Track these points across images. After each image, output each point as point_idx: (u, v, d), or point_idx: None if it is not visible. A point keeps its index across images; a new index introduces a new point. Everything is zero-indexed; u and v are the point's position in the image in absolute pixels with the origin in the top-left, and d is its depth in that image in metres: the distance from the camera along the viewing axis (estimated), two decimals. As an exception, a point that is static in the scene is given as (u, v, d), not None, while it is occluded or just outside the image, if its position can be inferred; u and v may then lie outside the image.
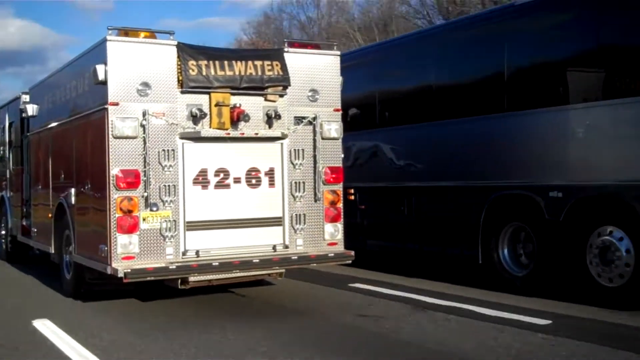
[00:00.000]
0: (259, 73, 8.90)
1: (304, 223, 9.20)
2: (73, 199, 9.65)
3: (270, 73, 8.98)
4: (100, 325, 8.37)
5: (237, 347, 7.19)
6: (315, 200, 9.30)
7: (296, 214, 9.16)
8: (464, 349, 6.94)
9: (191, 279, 8.50)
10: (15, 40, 71.33)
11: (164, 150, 8.43)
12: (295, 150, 9.18)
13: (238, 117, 8.69)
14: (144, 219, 8.32)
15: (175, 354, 6.99)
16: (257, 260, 8.70)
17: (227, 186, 8.83)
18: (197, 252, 8.55)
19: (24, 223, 13.11)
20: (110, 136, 8.21)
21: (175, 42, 8.60)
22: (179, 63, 8.55)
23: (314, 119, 9.27)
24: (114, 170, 8.20)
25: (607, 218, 8.75)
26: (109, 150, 8.22)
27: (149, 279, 8.24)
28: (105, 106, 8.25)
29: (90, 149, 8.98)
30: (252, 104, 8.90)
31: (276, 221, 9.10)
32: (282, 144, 9.12)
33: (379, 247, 12.47)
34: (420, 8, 36.43)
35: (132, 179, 8.24)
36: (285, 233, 9.12)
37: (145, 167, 8.29)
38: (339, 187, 9.51)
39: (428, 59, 11.52)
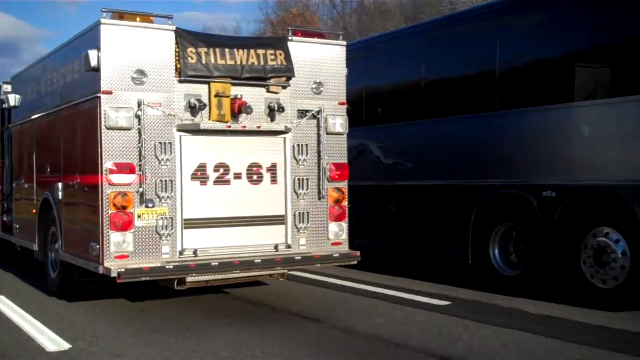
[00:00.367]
0: (262, 62, 8.38)
1: (308, 222, 8.70)
2: (60, 194, 9.07)
3: (274, 63, 8.46)
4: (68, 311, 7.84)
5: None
6: (319, 198, 8.80)
7: (299, 212, 8.65)
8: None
9: (188, 279, 7.97)
10: (-12, 32, 70.04)
11: (160, 143, 7.88)
12: (298, 145, 8.67)
13: (239, 109, 8.16)
14: (139, 216, 7.77)
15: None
16: (259, 261, 8.18)
17: (227, 182, 8.30)
18: (194, 252, 8.02)
19: (5, 219, 12.49)
20: (102, 127, 7.64)
21: (174, 28, 8.06)
22: (177, 50, 8.01)
23: (319, 112, 8.77)
24: (107, 164, 7.64)
25: (603, 219, 8.51)
26: (101, 142, 7.65)
27: (144, 279, 7.69)
28: (98, 95, 7.68)
29: (81, 141, 8.40)
30: (253, 96, 8.38)
31: (278, 219, 8.58)
32: (284, 138, 8.61)
33: (366, 246, 12.02)
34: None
35: (126, 173, 7.68)
36: (288, 232, 8.61)
37: (140, 160, 7.74)
38: (344, 185, 9.02)
39: (415, 55, 11.29)
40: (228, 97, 8.19)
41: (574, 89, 8.85)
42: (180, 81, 8.00)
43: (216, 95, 8.14)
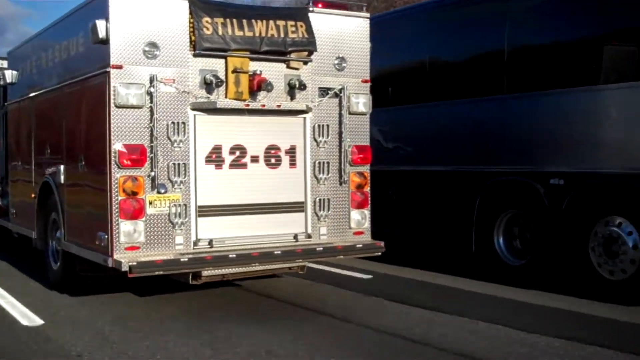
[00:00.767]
0: (282, 35, 7.72)
1: (328, 209, 8.08)
2: (62, 178, 8.41)
3: (294, 35, 7.80)
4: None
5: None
6: (341, 184, 8.18)
7: (320, 199, 8.03)
8: None
9: (205, 273, 7.34)
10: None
11: (173, 122, 7.23)
12: (319, 126, 8.04)
13: (259, 85, 7.51)
14: (150, 203, 7.13)
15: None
16: (279, 252, 7.56)
17: (244, 166, 7.66)
18: (210, 242, 7.39)
19: (1, 203, 11.79)
20: (112, 105, 6.97)
21: None
22: (192, 21, 7.34)
23: (341, 90, 8.12)
24: (117, 145, 6.98)
25: (614, 209, 8.20)
26: (110, 121, 6.99)
27: (157, 273, 7.04)
28: (107, 69, 7.01)
29: (86, 120, 7.74)
30: (272, 71, 7.73)
31: (298, 207, 7.96)
32: (304, 118, 7.97)
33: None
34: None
35: (137, 156, 7.04)
36: (308, 220, 8.00)
37: (152, 142, 7.09)
38: (366, 169, 8.40)
39: (417, 36, 10.93)
40: (246, 73, 7.53)
41: (586, 72, 8.46)
42: (195, 55, 7.34)
43: (234, 71, 7.48)
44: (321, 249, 7.84)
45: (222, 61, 7.47)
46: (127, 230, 7.00)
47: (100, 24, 6.98)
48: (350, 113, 8.18)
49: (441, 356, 6.16)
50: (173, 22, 7.26)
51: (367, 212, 8.37)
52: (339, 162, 8.15)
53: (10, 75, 10.60)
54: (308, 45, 7.86)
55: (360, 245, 8.14)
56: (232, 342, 6.54)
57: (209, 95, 7.40)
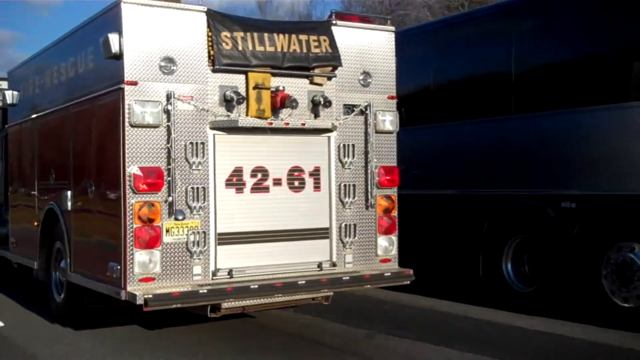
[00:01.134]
0: (305, 50, 7.24)
1: (354, 235, 7.55)
2: (69, 204, 7.86)
3: (318, 50, 7.32)
4: None
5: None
6: (367, 208, 7.66)
7: (345, 224, 7.50)
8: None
9: (224, 305, 6.77)
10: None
11: (191, 143, 6.71)
12: (344, 145, 7.54)
13: (282, 102, 7.01)
14: (167, 231, 6.58)
15: None
16: (304, 282, 7.01)
17: (266, 189, 7.13)
18: (229, 272, 6.85)
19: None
20: (126, 124, 6.44)
21: (205, 9, 6.90)
22: (210, 34, 6.85)
23: (367, 107, 7.62)
24: (132, 169, 6.44)
25: (628, 233, 7.90)
26: (124, 142, 6.45)
27: (174, 306, 6.48)
28: (121, 86, 6.49)
29: (97, 142, 7.20)
30: (295, 88, 7.25)
31: (322, 233, 7.43)
32: (329, 137, 7.46)
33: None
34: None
35: (153, 179, 6.49)
36: (333, 247, 7.47)
37: (169, 164, 6.55)
38: (394, 192, 7.89)
39: (423, 58, 10.68)
40: (268, 89, 7.03)
41: (600, 91, 8.19)
42: (213, 70, 6.84)
43: (255, 87, 6.98)
44: (348, 278, 7.30)
45: (242, 77, 6.99)
46: (142, 261, 6.45)
47: (113, 37, 6.47)
48: (376, 132, 7.69)
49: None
50: (190, 36, 6.77)
51: (394, 238, 7.85)
52: (365, 185, 7.64)
53: (10, 96, 10.08)
54: (332, 60, 7.38)
55: (389, 274, 7.60)
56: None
57: (229, 113, 6.89)
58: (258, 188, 7.08)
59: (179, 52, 6.68)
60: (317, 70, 7.35)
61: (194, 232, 6.68)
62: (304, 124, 7.15)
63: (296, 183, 7.29)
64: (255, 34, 7.02)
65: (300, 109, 7.20)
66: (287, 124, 7.05)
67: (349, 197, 7.53)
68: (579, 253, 8.28)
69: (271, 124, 6.98)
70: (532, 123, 8.91)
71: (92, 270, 7.24)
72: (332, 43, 7.40)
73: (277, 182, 7.18)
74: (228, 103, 6.88)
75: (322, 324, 8.41)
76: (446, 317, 8.80)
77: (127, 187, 6.43)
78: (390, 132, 7.83)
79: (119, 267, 6.51)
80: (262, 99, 7.01)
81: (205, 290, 6.52)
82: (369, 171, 7.63)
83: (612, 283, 8.01)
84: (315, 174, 7.39)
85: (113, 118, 6.61)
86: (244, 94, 6.92)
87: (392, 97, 7.87)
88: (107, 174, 6.88)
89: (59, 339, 7.81)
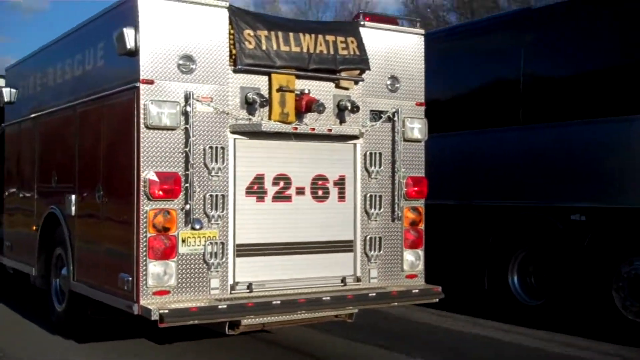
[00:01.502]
0: (332, 51, 6.78)
1: (380, 249, 7.08)
2: (73, 209, 7.37)
3: (345, 52, 6.86)
4: None
5: None
6: (393, 220, 7.20)
7: (370, 237, 7.04)
8: None
9: (244, 322, 6.28)
10: None
11: (210, 147, 6.22)
12: (371, 153, 7.08)
13: (308, 106, 6.54)
14: (183, 241, 6.09)
15: None
16: (328, 298, 6.55)
17: (288, 198, 6.66)
18: (249, 286, 6.37)
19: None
20: (141, 125, 5.95)
21: (227, 5, 6.42)
22: (232, 32, 6.37)
23: (394, 114, 7.16)
24: (148, 173, 5.94)
25: (639, 247, 7.78)
26: (139, 144, 5.96)
27: (191, 322, 5.99)
28: (136, 84, 6.00)
29: (107, 144, 6.71)
30: (320, 91, 6.80)
31: (346, 246, 6.97)
32: (355, 145, 7.00)
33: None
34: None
35: (170, 186, 6.00)
36: (357, 261, 7.01)
37: (187, 169, 6.06)
38: (421, 204, 7.43)
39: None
40: (293, 92, 6.56)
41: (612, 102, 8.02)
42: (235, 71, 6.37)
43: (279, 90, 6.51)
44: (374, 294, 6.84)
45: (265, 78, 6.53)
46: (156, 272, 5.95)
47: (129, 32, 5.98)
48: (404, 140, 7.24)
49: None
50: (211, 33, 6.29)
51: (421, 252, 7.39)
52: (392, 196, 7.18)
53: (8, 94, 9.60)
54: (360, 63, 6.94)
55: (417, 291, 7.15)
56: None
57: (250, 117, 6.42)
58: (280, 197, 6.61)
59: (199, 50, 6.20)
60: (344, 74, 6.89)
61: (211, 243, 6.20)
62: (330, 130, 6.69)
63: (320, 192, 6.82)
64: (280, 33, 6.56)
65: (325, 114, 6.73)
66: (314, 129, 6.58)
67: (374, 208, 7.08)
68: (589, 266, 8.13)
69: (296, 128, 6.51)
70: (541, 134, 8.74)
71: (99, 280, 6.75)
72: (360, 45, 6.96)
73: (300, 191, 6.71)
74: (250, 106, 6.41)
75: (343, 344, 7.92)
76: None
77: (142, 193, 5.94)
78: (418, 141, 7.39)
79: (130, 278, 6.02)
80: (286, 102, 6.55)
81: (225, 306, 6.04)
82: (396, 181, 7.18)
83: (624, 297, 7.84)
84: (340, 183, 6.93)
85: (126, 119, 6.13)
86: (266, 96, 6.46)
87: (420, 104, 7.43)
88: (118, 178, 6.40)
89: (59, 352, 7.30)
